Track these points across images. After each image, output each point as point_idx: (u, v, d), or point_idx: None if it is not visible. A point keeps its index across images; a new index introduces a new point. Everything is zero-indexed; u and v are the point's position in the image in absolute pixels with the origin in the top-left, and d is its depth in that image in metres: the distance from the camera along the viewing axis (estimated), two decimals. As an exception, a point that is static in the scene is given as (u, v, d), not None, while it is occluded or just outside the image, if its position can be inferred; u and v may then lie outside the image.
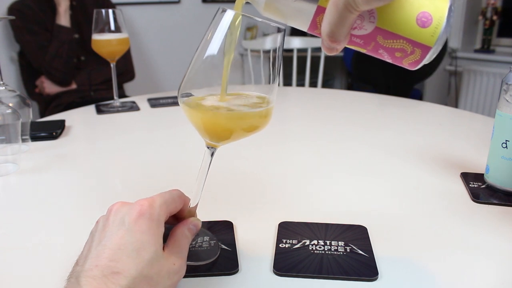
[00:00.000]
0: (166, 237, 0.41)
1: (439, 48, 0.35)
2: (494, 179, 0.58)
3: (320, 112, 1.11)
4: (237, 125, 0.40)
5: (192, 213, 0.44)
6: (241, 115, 0.39)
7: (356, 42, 0.36)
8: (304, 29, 0.36)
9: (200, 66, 0.38)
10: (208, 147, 0.43)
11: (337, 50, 0.35)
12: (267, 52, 2.40)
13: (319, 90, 1.54)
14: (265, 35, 2.95)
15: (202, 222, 0.50)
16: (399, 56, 0.36)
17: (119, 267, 0.33)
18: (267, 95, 0.40)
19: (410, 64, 0.37)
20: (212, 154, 0.43)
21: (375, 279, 0.41)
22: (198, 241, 0.46)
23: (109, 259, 0.34)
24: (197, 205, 0.44)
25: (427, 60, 0.36)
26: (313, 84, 2.61)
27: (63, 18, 1.69)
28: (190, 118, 0.41)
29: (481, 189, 0.59)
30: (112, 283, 0.32)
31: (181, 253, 0.39)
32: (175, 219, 0.44)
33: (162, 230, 0.38)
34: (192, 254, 0.44)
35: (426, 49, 0.35)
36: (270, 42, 0.38)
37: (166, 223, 0.43)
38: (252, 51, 2.17)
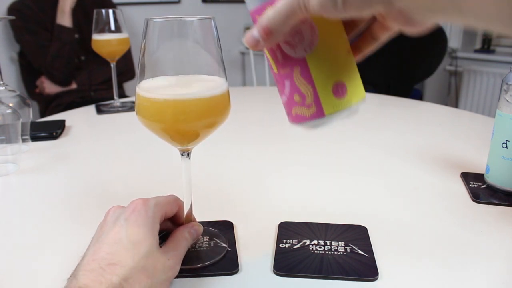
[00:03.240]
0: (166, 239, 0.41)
1: (326, 124, 0.35)
2: (494, 179, 0.58)
3: (320, 112, 1.11)
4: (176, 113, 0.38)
5: (189, 219, 0.45)
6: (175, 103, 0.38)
7: (276, 56, 0.34)
8: (251, 8, 0.34)
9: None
10: (182, 154, 0.43)
11: (259, 47, 0.33)
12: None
13: (319, 90, 1.53)
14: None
15: (203, 222, 0.50)
16: (296, 100, 0.35)
17: (115, 259, 0.34)
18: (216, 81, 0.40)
19: (296, 116, 0.36)
20: (188, 156, 0.43)
21: (375, 279, 0.41)
22: (198, 242, 0.46)
23: (106, 252, 0.35)
24: (191, 210, 0.45)
25: (311, 124, 0.35)
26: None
27: (67, 18, 1.68)
28: (142, 121, 0.41)
29: (481, 189, 0.59)
30: (109, 274, 0.33)
31: (177, 251, 0.40)
32: (174, 225, 0.45)
33: (157, 227, 0.39)
34: (194, 255, 0.44)
35: (320, 113, 0.34)
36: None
37: (164, 228, 0.43)
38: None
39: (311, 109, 0.35)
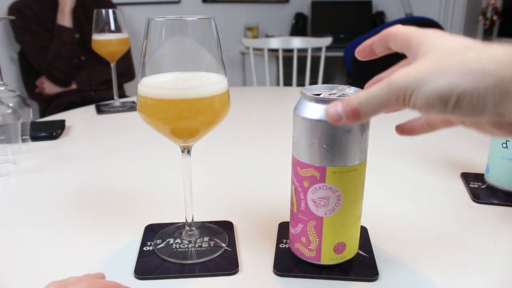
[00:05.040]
0: None
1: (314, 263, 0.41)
2: (495, 179, 0.58)
3: (320, 112, 1.11)
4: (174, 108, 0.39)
5: None
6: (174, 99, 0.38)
7: (300, 203, 0.39)
8: (297, 156, 0.39)
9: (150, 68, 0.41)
10: (182, 151, 0.44)
11: (340, 123, 0.31)
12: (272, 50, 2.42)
13: (319, 90, 1.54)
14: (267, 36, 2.95)
15: (203, 222, 0.50)
16: (302, 240, 0.41)
17: None
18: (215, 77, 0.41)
19: (296, 249, 0.41)
20: (189, 153, 0.44)
21: (375, 279, 0.41)
22: (198, 241, 0.46)
23: None
24: (192, 219, 0.46)
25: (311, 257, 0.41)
26: (313, 84, 2.60)
27: (67, 19, 1.68)
28: (143, 117, 0.41)
29: (482, 189, 0.59)
30: None
31: None
32: None
33: None
34: (192, 254, 0.44)
35: (317, 259, 0.41)
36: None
37: None
38: (254, 49, 2.17)
39: (311, 253, 0.40)
